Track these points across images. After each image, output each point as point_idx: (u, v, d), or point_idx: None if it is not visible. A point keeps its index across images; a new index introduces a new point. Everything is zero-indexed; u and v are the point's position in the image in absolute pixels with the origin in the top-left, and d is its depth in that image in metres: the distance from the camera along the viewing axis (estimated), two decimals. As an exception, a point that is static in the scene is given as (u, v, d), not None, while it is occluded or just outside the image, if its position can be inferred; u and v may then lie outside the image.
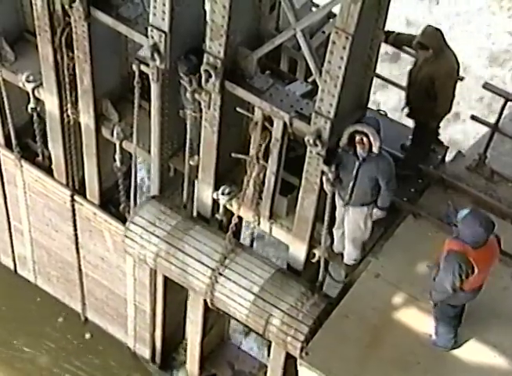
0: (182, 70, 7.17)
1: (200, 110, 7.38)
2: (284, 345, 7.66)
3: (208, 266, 7.93)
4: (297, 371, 7.54)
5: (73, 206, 9.39)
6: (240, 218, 8.18)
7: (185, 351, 9.71)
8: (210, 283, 7.90)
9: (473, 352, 7.15)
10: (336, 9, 6.33)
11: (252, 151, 7.41)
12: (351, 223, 7.36)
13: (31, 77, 8.52)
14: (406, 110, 7.81)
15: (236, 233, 8.35)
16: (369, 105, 7.38)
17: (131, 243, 8.37)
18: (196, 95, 7.24)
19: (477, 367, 7.10)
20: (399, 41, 7.76)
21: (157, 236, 8.14)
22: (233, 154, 7.58)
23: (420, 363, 7.13)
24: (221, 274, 7.88)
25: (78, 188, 9.27)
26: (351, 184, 7.07)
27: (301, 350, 7.33)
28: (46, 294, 10.88)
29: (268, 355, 8.47)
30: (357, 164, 6.96)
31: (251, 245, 8.73)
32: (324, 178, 6.99)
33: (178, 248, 8.05)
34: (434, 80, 7.37)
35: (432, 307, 7.10)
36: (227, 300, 7.92)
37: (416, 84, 7.56)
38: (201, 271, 7.96)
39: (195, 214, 8.48)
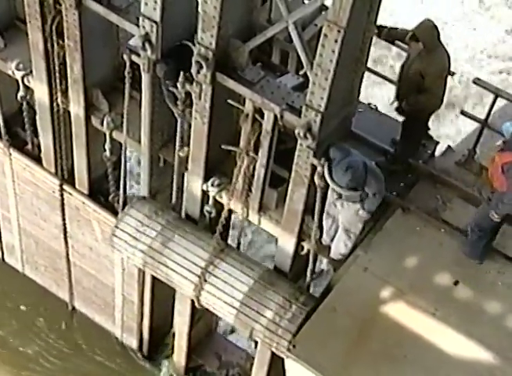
0: (160, 74, 7.16)
1: (191, 102, 7.36)
2: (270, 348, 7.73)
3: (194, 272, 7.98)
4: (283, 364, 7.57)
5: (61, 195, 9.36)
6: (228, 219, 8.17)
7: (173, 341, 9.72)
8: (197, 289, 7.97)
9: (459, 346, 7.19)
10: (328, 2, 6.32)
11: (242, 143, 7.41)
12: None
13: (21, 65, 8.47)
14: (395, 105, 7.81)
15: (224, 233, 8.33)
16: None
17: (118, 253, 8.44)
18: (187, 86, 7.22)
19: (463, 361, 7.14)
20: (392, 35, 7.74)
21: (141, 250, 8.18)
22: (223, 146, 7.57)
23: (406, 356, 7.16)
24: (206, 280, 7.93)
25: (67, 177, 9.24)
26: None
27: (288, 349, 7.34)
28: (33, 283, 10.85)
29: (256, 347, 8.49)
30: None
31: (238, 246, 8.75)
32: (316, 172, 7.00)
33: (162, 262, 8.09)
34: (424, 75, 7.37)
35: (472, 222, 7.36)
36: (213, 303, 7.98)
37: (407, 79, 7.56)
38: (187, 277, 8.01)
39: (183, 214, 8.47)
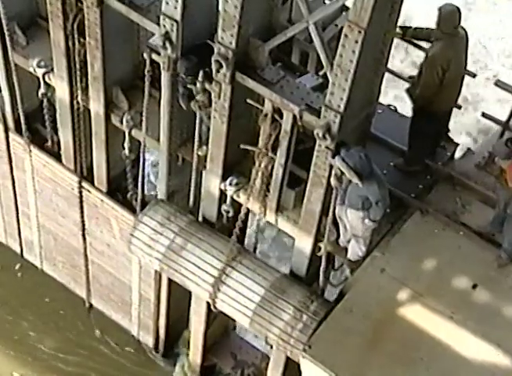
0: (181, 70, 7.16)
1: (210, 101, 7.37)
2: (285, 352, 7.75)
3: (207, 281, 8.03)
4: (299, 364, 7.56)
5: (80, 192, 9.40)
6: (245, 219, 8.17)
7: (189, 340, 9.73)
8: (211, 296, 8.03)
9: (476, 350, 7.14)
10: (349, 2, 6.30)
11: (261, 143, 7.40)
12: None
13: (42, 63, 8.52)
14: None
15: (241, 236, 8.35)
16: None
17: (134, 255, 8.51)
18: (207, 86, 7.22)
19: (481, 365, 7.09)
20: (417, 35, 7.65)
21: (156, 258, 8.26)
22: (242, 146, 7.57)
23: (422, 359, 7.13)
24: (219, 289, 7.98)
25: (86, 175, 9.29)
26: None
27: (304, 350, 7.33)
28: (52, 280, 10.92)
29: (271, 347, 8.48)
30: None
31: (254, 250, 8.76)
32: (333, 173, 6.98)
33: (177, 270, 8.17)
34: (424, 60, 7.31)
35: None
36: (229, 307, 8.02)
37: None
38: (201, 285, 8.08)
39: (200, 214, 8.49)
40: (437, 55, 7.25)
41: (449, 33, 7.21)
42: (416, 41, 7.90)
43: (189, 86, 7.32)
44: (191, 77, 7.17)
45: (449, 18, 7.17)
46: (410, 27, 7.55)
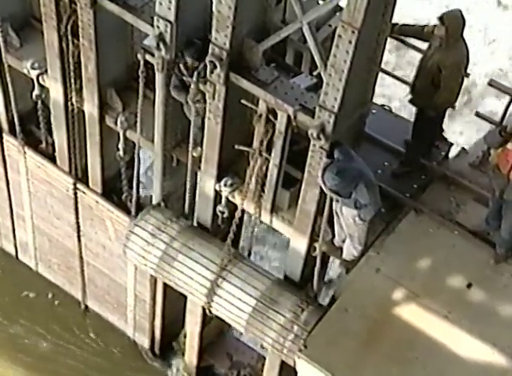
0: (190, 53, 7.11)
1: (204, 101, 7.37)
2: (280, 356, 7.78)
3: (201, 292, 8.08)
4: (295, 364, 7.56)
5: (75, 194, 9.40)
6: (241, 220, 8.16)
7: (185, 341, 9.73)
8: (207, 300, 8.06)
9: (472, 348, 7.16)
10: (343, 3, 6.31)
11: (255, 143, 7.41)
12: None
13: (36, 64, 8.51)
14: (409, 96, 7.74)
15: (236, 238, 8.35)
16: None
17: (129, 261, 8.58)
18: (201, 86, 7.23)
19: (476, 364, 7.11)
20: (405, 32, 7.67)
21: (150, 268, 8.33)
22: (236, 146, 7.57)
23: (418, 358, 7.15)
24: (212, 300, 8.02)
25: (81, 176, 9.28)
26: None
27: (299, 350, 7.35)
28: (47, 281, 10.90)
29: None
30: None
31: (249, 255, 8.76)
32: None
33: (170, 279, 8.24)
34: (442, 68, 7.30)
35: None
36: (223, 315, 8.07)
37: (424, 71, 7.50)
38: (196, 290, 8.12)
39: (195, 217, 8.49)
40: (459, 60, 7.31)
41: (460, 35, 7.27)
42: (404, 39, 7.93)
43: (184, 78, 7.29)
44: (197, 61, 7.08)
45: (461, 22, 7.23)
46: (397, 24, 7.53)
